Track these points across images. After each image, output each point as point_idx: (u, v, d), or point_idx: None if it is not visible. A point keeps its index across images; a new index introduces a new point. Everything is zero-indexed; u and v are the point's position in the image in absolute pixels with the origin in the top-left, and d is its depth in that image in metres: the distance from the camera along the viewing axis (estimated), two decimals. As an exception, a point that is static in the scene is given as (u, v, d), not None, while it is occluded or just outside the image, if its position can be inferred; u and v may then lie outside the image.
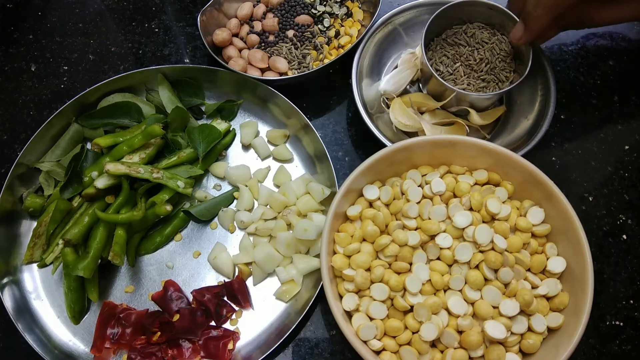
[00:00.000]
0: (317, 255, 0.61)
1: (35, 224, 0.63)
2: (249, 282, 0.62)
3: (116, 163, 0.60)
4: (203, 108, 0.70)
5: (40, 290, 0.62)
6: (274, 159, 0.68)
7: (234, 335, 0.59)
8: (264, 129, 0.70)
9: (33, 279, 0.62)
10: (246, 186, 0.65)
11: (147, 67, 0.68)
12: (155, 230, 0.64)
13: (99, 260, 0.59)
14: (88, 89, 0.66)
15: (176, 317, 0.59)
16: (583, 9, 0.57)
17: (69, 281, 0.59)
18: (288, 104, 0.66)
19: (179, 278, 0.63)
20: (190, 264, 0.63)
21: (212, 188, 0.67)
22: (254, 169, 0.67)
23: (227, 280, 0.62)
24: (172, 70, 0.68)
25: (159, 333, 0.58)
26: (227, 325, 0.60)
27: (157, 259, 0.64)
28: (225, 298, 0.61)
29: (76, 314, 0.60)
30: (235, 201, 0.66)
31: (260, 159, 0.68)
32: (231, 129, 0.69)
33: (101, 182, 0.60)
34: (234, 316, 0.60)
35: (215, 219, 0.65)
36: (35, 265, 0.62)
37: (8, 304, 0.59)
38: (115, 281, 0.63)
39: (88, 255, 0.57)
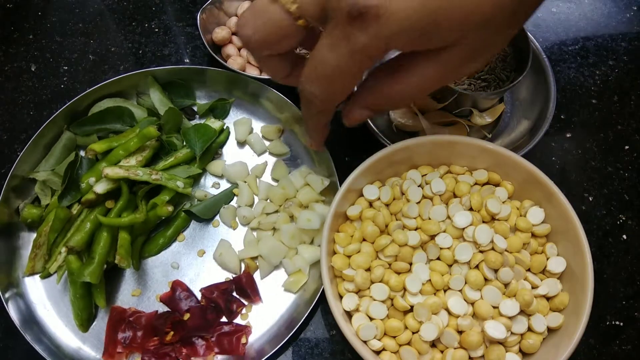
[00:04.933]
0: (321, 244, 0.61)
1: (34, 235, 0.62)
2: (256, 276, 0.62)
3: (114, 167, 0.60)
4: (195, 109, 0.70)
5: (46, 301, 0.61)
6: (270, 153, 0.68)
7: (246, 330, 0.59)
8: (257, 125, 0.69)
9: (37, 290, 0.61)
10: (245, 182, 0.66)
11: (139, 70, 0.67)
12: (158, 232, 0.64)
13: (105, 265, 0.58)
14: (76, 97, 0.65)
15: (187, 316, 0.59)
16: (370, 87, 0.46)
17: (75, 289, 0.58)
18: (279, 97, 0.66)
19: (186, 278, 0.63)
20: (195, 263, 0.63)
21: (210, 187, 0.67)
22: (251, 165, 0.67)
23: (234, 276, 0.62)
24: (161, 72, 0.67)
25: (172, 333, 0.58)
26: (238, 320, 0.60)
27: (162, 261, 0.64)
28: (234, 293, 0.61)
29: (84, 322, 0.59)
30: (235, 198, 0.66)
31: (256, 155, 0.68)
32: (225, 127, 0.69)
33: (100, 187, 0.59)
34: (244, 311, 0.61)
35: (217, 217, 0.65)
36: (38, 277, 0.62)
37: (14, 316, 0.58)
38: (121, 286, 0.62)
39: (93, 261, 0.57)
